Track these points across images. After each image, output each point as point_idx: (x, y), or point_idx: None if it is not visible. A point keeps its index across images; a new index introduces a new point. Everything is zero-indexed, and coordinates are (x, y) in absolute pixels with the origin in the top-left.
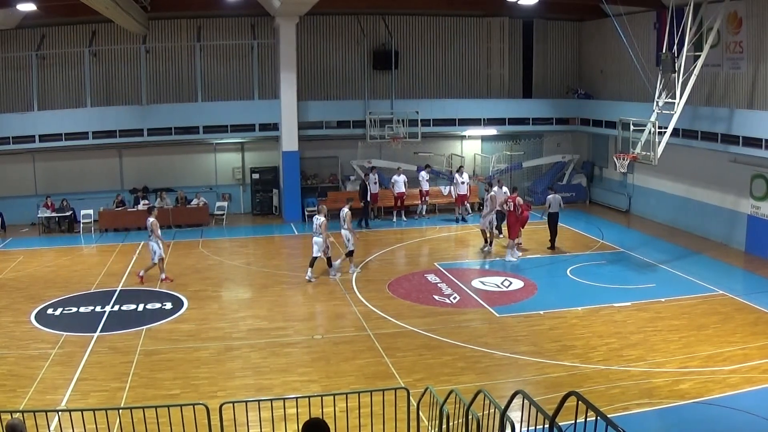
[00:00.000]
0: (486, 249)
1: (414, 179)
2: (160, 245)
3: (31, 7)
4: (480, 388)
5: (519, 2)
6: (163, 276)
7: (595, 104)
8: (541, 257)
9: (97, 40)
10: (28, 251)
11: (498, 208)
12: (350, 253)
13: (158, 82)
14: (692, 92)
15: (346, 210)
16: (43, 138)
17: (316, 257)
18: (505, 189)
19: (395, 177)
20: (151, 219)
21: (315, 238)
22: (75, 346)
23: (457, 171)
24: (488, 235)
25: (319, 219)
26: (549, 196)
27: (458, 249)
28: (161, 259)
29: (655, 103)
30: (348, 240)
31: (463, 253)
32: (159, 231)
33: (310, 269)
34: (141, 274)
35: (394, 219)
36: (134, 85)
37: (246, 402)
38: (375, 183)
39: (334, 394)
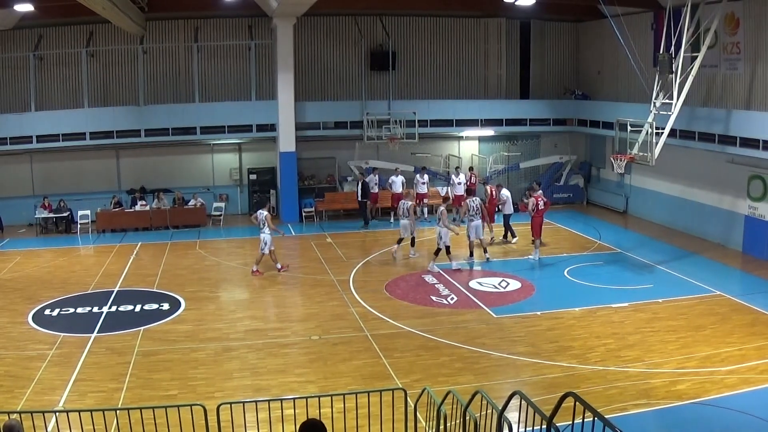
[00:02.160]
0: (470, 262)
1: (410, 180)
2: (271, 237)
3: (28, 7)
4: (477, 388)
5: (516, 3)
6: (279, 266)
7: (592, 105)
8: (538, 258)
9: (94, 40)
10: (26, 252)
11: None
12: (447, 248)
13: (155, 83)
14: (689, 93)
15: (442, 208)
16: (41, 138)
17: (412, 237)
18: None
19: (393, 178)
20: (266, 212)
21: (402, 221)
22: (72, 346)
23: (455, 172)
24: (473, 246)
25: (407, 203)
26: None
27: (456, 250)
28: (272, 251)
29: (652, 103)
30: (443, 235)
31: (461, 253)
32: (272, 224)
33: (412, 249)
34: (255, 269)
35: (392, 219)
36: (131, 85)
37: (243, 403)
38: (375, 184)
39: (331, 395)
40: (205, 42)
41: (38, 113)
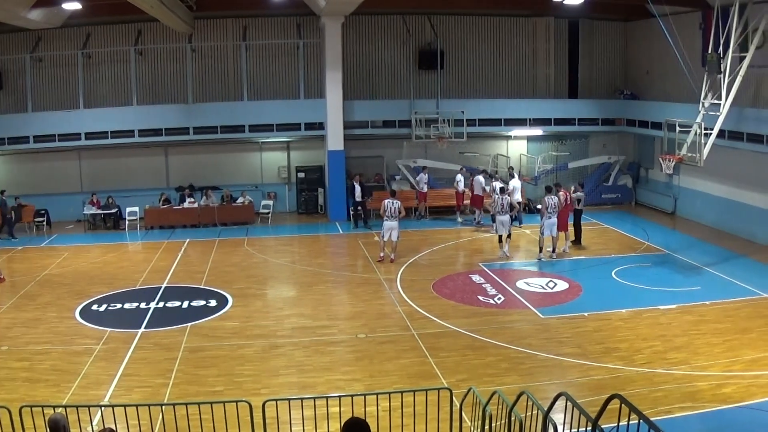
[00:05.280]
0: (553, 256)
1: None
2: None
3: (76, 6)
4: (523, 389)
5: (565, 2)
6: (383, 255)
7: (640, 105)
8: (585, 258)
9: (142, 38)
10: (74, 247)
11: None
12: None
13: (204, 81)
14: (738, 93)
15: (550, 200)
16: (89, 136)
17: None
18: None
19: (459, 176)
20: (399, 202)
21: (500, 218)
22: (119, 342)
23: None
24: (543, 241)
25: (506, 198)
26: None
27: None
28: (386, 241)
29: (700, 104)
30: (547, 227)
31: (509, 257)
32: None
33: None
34: (392, 257)
35: (459, 219)
36: (180, 83)
37: (289, 400)
38: (425, 183)
39: (377, 393)
40: (253, 41)
41: (87, 111)
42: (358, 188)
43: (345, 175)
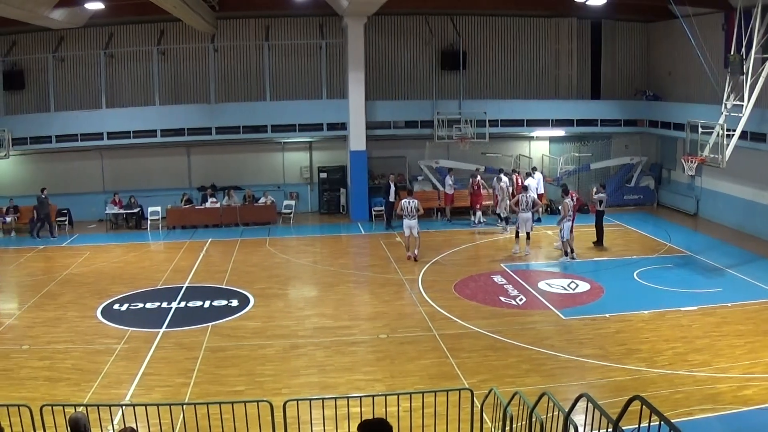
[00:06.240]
0: (574, 257)
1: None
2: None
3: (99, 6)
4: (544, 390)
5: (587, 3)
6: (410, 253)
7: (663, 106)
8: (607, 260)
9: (165, 38)
10: (95, 247)
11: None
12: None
13: (227, 81)
14: (761, 94)
15: (567, 201)
16: (111, 135)
17: (527, 233)
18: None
19: (504, 177)
20: (416, 200)
21: (522, 215)
22: (140, 341)
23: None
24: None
25: (532, 196)
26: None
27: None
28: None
29: (723, 105)
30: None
31: (530, 254)
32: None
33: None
34: (415, 254)
35: (481, 219)
36: (203, 83)
37: (310, 400)
38: (450, 185)
39: (398, 394)
40: (276, 41)
41: (109, 110)
42: (393, 188)
43: (368, 175)
